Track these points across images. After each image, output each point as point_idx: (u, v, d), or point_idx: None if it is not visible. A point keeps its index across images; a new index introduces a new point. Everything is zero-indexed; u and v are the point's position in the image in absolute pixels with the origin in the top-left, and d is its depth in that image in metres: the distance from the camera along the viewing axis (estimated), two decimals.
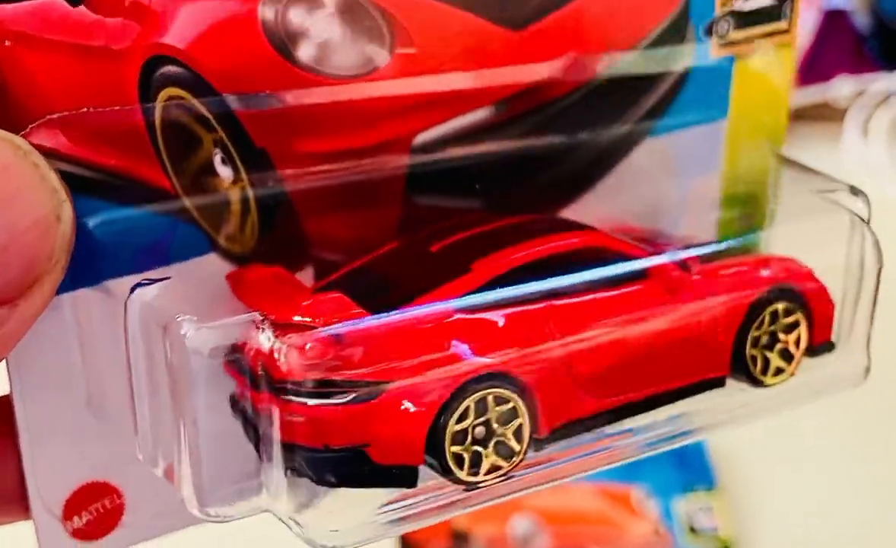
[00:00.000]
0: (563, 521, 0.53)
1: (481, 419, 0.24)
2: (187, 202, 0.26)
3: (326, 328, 0.23)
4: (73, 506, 0.26)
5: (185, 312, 0.23)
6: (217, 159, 0.26)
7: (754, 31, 0.33)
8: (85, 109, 0.24)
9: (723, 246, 0.29)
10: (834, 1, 0.88)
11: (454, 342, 0.23)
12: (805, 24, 0.84)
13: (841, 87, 0.79)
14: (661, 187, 0.33)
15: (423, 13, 0.27)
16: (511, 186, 0.31)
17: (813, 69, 0.83)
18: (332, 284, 0.26)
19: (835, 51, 0.85)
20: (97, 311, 0.25)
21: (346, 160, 0.28)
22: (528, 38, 0.29)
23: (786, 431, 0.59)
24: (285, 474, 0.22)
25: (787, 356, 0.29)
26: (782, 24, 0.34)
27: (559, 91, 0.30)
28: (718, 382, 0.28)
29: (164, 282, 0.24)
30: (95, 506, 0.27)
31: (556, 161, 0.31)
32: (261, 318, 0.23)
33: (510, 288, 0.25)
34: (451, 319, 0.24)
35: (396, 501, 0.23)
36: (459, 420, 0.23)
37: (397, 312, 0.24)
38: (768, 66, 0.34)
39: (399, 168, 0.29)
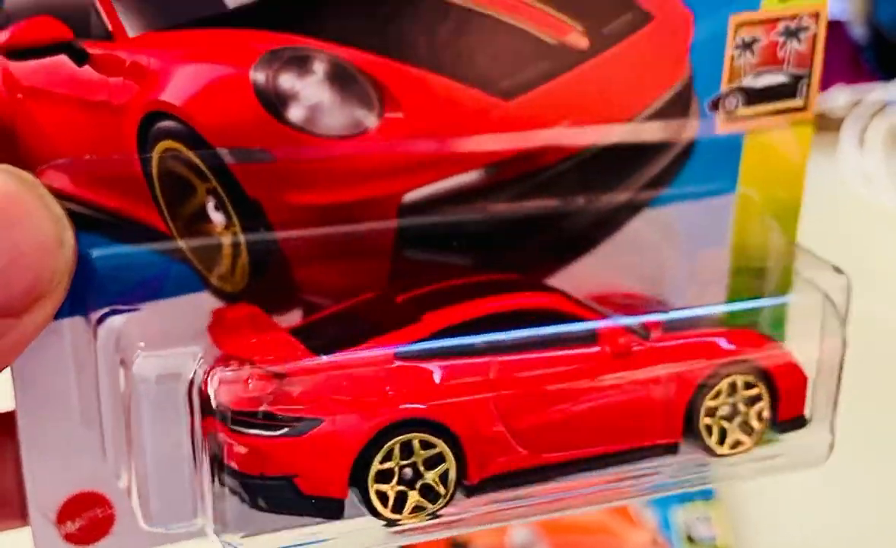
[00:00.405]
0: (561, 530, 0.54)
1: (408, 462, 0.25)
2: (181, 243, 0.29)
3: (270, 366, 0.25)
4: (67, 512, 0.29)
5: (145, 341, 0.25)
6: (210, 206, 0.29)
7: (766, 107, 0.34)
8: (87, 157, 0.27)
9: (694, 314, 0.30)
10: (830, 11, 0.89)
11: (388, 387, 0.25)
12: None
13: (837, 98, 0.79)
14: (665, 257, 0.34)
15: (412, 81, 0.29)
16: (504, 247, 0.32)
17: None
18: (306, 327, 0.28)
19: (831, 61, 0.85)
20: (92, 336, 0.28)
21: (336, 214, 0.30)
22: (520, 106, 0.31)
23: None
24: (221, 498, 0.25)
25: (747, 429, 0.29)
26: (798, 102, 0.34)
27: (554, 157, 0.32)
28: (670, 449, 0.28)
29: (132, 313, 0.27)
30: (88, 514, 0.30)
31: (551, 225, 0.33)
32: (200, 353, 0.25)
33: (454, 339, 0.26)
34: (390, 365, 0.26)
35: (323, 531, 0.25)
36: (384, 460, 0.25)
37: (341, 354, 0.26)
38: (783, 144, 0.34)
39: (388, 224, 0.31)
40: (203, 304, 0.29)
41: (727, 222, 0.34)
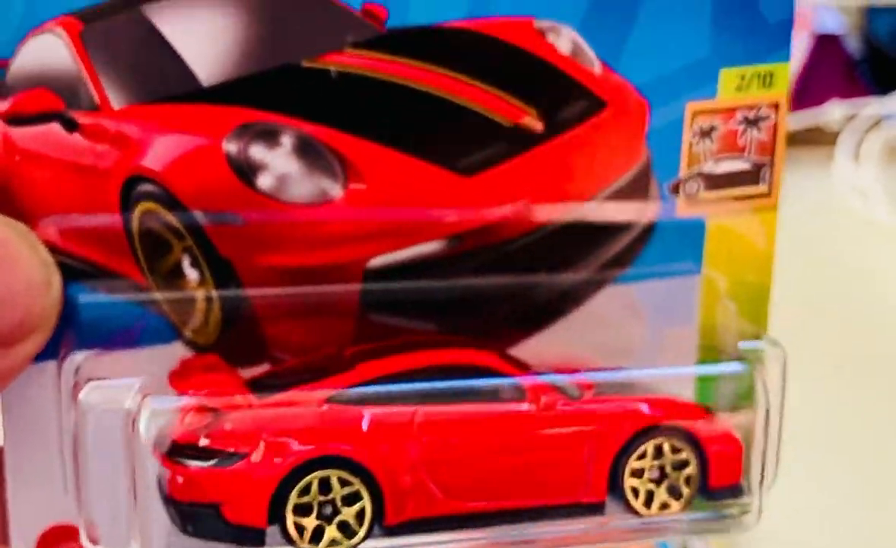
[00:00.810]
0: None
1: (326, 498, 0.27)
2: (158, 296, 0.32)
3: (206, 400, 0.27)
4: (45, 543, 0.32)
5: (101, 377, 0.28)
6: (185, 263, 0.32)
7: (729, 193, 0.35)
8: (75, 215, 0.31)
9: (629, 377, 0.31)
10: (826, 25, 0.87)
11: (314, 426, 0.28)
12: (797, 48, 0.83)
13: (833, 112, 0.79)
14: (630, 333, 0.36)
15: (374, 155, 0.32)
16: (467, 315, 0.34)
17: (805, 93, 0.83)
18: (262, 376, 0.31)
19: (827, 75, 0.84)
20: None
21: (303, 276, 0.33)
22: (479, 183, 0.33)
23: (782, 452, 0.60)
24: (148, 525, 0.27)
25: (675, 493, 0.30)
26: (761, 189, 0.36)
27: (514, 232, 0.34)
28: (595, 508, 0.29)
29: (92, 352, 0.30)
30: (64, 546, 0.32)
31: (512, 297, 0.35)
32: (142, 385, 0.28)
33: (384, 387, 0.28)
34: (319, 408, 0.28)
35: None
36: (302, 494, 0.27)
37: (277, 394, 0.28)
38: (748, 229, 0.36)
39: (353, 287, 0.33)
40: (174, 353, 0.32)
41: (693, 301, 0.36)
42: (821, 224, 0.74)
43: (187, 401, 0.28)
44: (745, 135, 0.35)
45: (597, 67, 0.33)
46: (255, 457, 0.27)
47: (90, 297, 0.31)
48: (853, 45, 0.86)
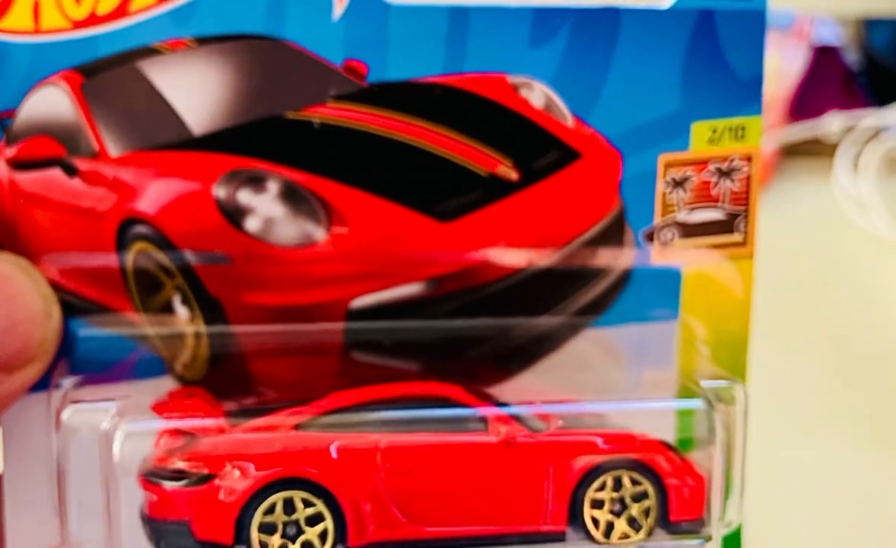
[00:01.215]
0: None
1: (291, 518, 0.29)
2: (150, 332, 0.34)
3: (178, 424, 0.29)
4: None
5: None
6: (176, 301, 0.34)
7: (704, 241, 0.37)
8: (74, 254, 0.33)
9: (592, 410, 0.32)
10: (824, 37, 0.87)
11: (281, 450, 0.29)
12: (795, 59, 0.83)
13: (831, 123, 0.79)
14: (609, 375, 0.37)
15: (356, 201, 0.34)
16: (446, 357, 0.36)
17: (803, 105, 0.83)
18: (244, 407, 0.33)
19: (825, 87, 0.84)
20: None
21: (288, 315, 0.35)
22: (457, 229, 0.35)
23: (779, 461, 0.59)
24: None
25: (634, 525, 0.31)
26: (736, 238, 0.37)
27: (491, 276, 0.35)
28: (556, 537, 0.31)
29: (76, 378, 0.32)
30: None
31: (491, 339, 0.36)
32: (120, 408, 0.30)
33: (348, 416, 0.30)
34: (288, 433, 0.30)
35: None
36: (267, 513, 0.29)
37: (249, 421, 0.30)
38: (725, 277, 0.37)
39: (336, 326, 0.35)
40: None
41: (671, 346, 0.37)
42: (819, 235, 0.75)
43: (162, 424, 0.30)
44: (719, 185, 0.36)
45: (569, 120, 0.35)
46: (223, 477, 0.29)
47: (87, 331, 0.33)
48: (851, 57, 0.87)
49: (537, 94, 0.35)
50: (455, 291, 0.35)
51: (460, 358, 0.36)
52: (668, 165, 0.36)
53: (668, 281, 0.36)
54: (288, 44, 0.33)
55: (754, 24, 0.35)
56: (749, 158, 0.36)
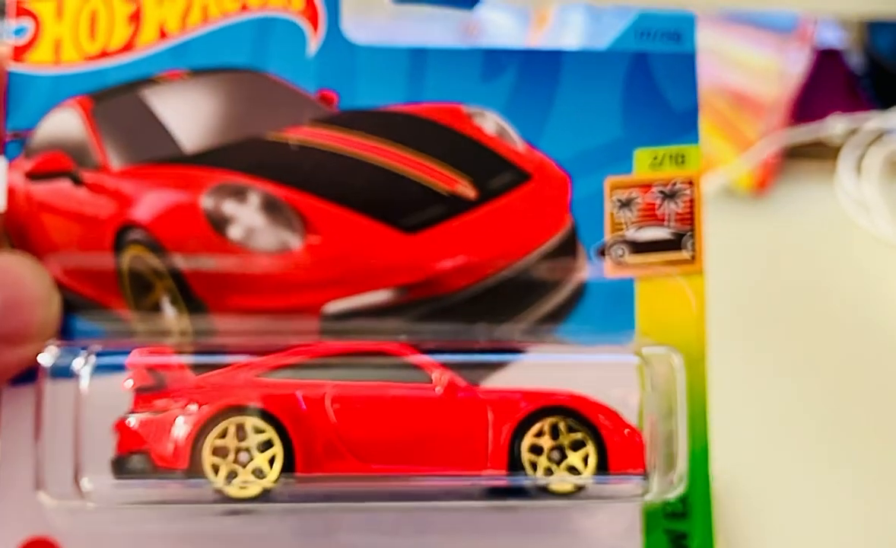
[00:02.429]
0: None
1: (243, 444, 0.32)
2: (140, 328, 0.38)
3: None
4: None
5: None
6: (165, 301, 0.38)
7: (653, 258, 0.40)
8: (75, 255, 0.38)
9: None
10: (827, 39, 0.87)
11: (239, 389, 0.32)
12: (798, 62, 0.84)
13: (835, 126, 0.80)
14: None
15: (328, 214, 0.39)
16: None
17: (806, 108, 0.83)
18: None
19: (828, 90, 0.84)
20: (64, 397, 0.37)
21: (267, 316, 0.38)
22: (421, 240, 0.39)
23: (780, 459, 0.60)
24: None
25: (574, 471, 0.33)
26: (684, 255, 0.40)
27: (455, 285, 0.39)
28: (498, 478, 0.33)
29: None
30: None
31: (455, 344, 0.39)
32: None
33: (309, 365, 0.33)
34: (248, 378, 0.33)
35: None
36: (220, 437, 0.32)
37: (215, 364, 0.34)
38: (676, 291, 0.40)
39: (311, 329, 0.38)
40: None
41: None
42: (823, 237, 0.76)
43: (130, 358, 0.33)
44: (663, 206, 0.40)
45: (520, 146, 0.40)
46: (181, 408, 0.32)
47: (85, 326, 0.37)
48: (855, 59, 0.89)
49: (490, 122, 0.40)
50: (420, 299, 0.39)
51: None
52: (614, 187, 0.40)
53: (623, 294, 0.40)
54: (269, 75, 0.39)
55: (685, 64, 0.40)
56: (691, 182, 0.40)
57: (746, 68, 0.84)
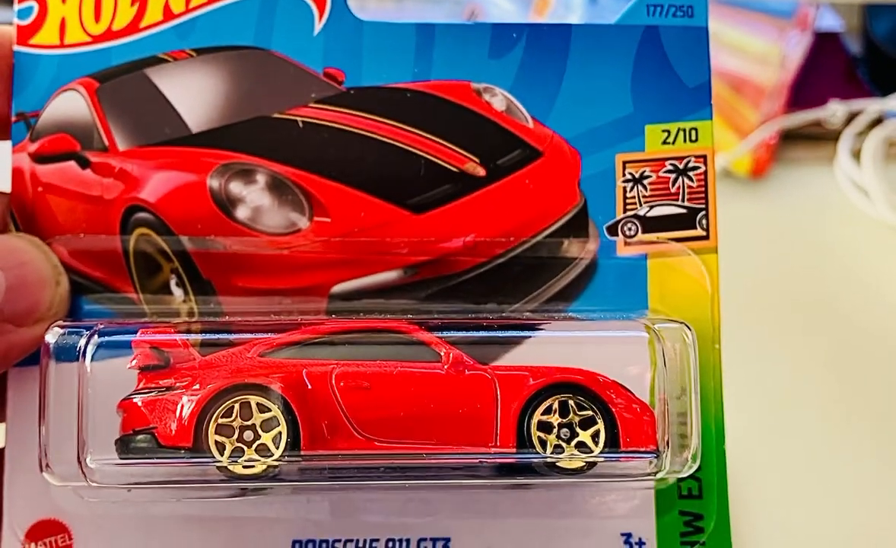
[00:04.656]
0: None
1: (248, 423, 0.32)
2: (147, 309, 0.39)
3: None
4: (34, 534, 0.38)
5: None
6: (172, 282, 0.39)
7: (666, 235, 0.40)
8: (82, 236, 0.38)
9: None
10: (826, 24, 0.88)
11: (243, 368, 0.33)
12: (797, 47, 0.85)
13: (834, 110, 0.81)
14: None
15: (336, 193, 0.39)
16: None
17: (804, 92, 0.84)
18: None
19: (827, 74, 0.86)
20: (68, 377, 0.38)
21: (275, 297, 0.39)
22: (429, 220, 0.40)
23: (778, 444, 0.61)
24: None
25: (584, 449, 0.34)
26: (698, 232, 0.40)
27: (463, 264, 0.40)
28: (506, 456, 0.33)
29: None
30: (50, 539, 0.38)
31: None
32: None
33: (315, 343, 0.34)
34: (253, 358, 0.34)
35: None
36: (225, 416, 0.32)
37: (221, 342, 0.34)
38: (690, 268, 0.40)
39: (319, 309, 0.39)
40: None
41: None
42: (822, 220, 0.78)
43: (135, 337, 0.34)
44: (677, 182, 0.40)
45: (530, 122, 0.40)
46: (186, 386, 0.33)
47: (92, 307, 0.38)
48: (853, 44, 0.90)
49: (499, 99, 0.40)
50: (431, 278, 0.39)
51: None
52: (625, 164, 0.40)
53: (635, 272, 0.40)
54: (274, 54, 0.39)
55: (697, 38, 0.41)
56: (704, 158, 0.41)
57: (745, 53, 0.85)
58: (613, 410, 0.35)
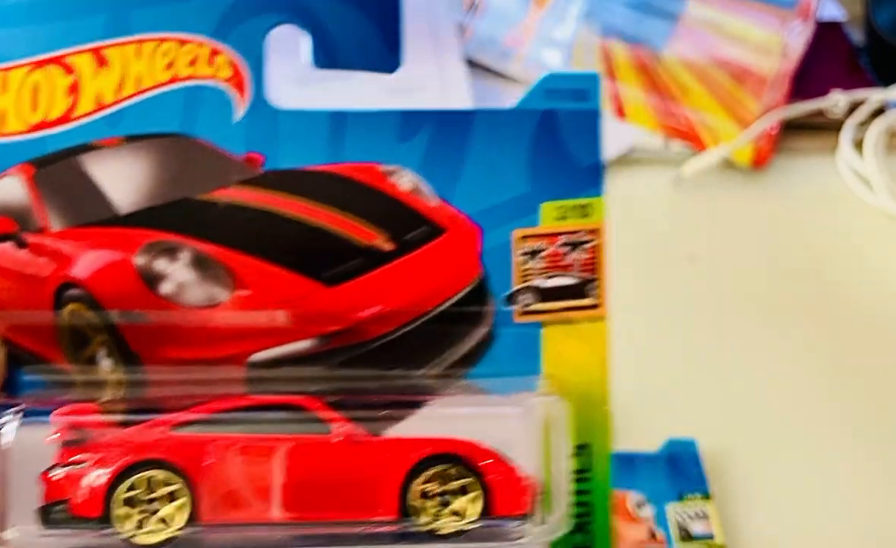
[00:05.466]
0: None
1: (153, 495, 0.37)
2: (78, 380, 0.42)
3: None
4: None
5: None
6: (102, 354, 0.42)
7: (559, 304, 0.44)
8: (19, 312, 0.42)
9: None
10: (827, 12, 0.89)
11: (152, 444, 0.37)
12: (799, 36, 0.85)
13: (836, 100, 0.82)
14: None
15: (255, 268, 0.43)
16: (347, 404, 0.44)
17: (806, 82, 0.85)
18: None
19: (829, 64, 0.86)
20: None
21: (198, 366, 0.43)
22: (342, 292, 0.43)
23: (783, 440, 0.63)
24: None
25: (458, 515, 0.38)
26: (589, 301, 0.45)
27: (373, 333, 0.44)
28: (390, 523, 0.38)
29: None
30: None
31: (378, 390, 0.44)
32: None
33: (219, 418, 0.38)
34: (162, 433, 0.38)
35: None
36: (132, 489, 0.36)
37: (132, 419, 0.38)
38: (581, 335, 0.45)
39: (238, 377, 0.43)
40: None
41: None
42: (823, 210, 0.79)
43: (55, 420, 0.38)
44: (569, 255, 0.45)
45: (434, 201, 0.44)
46: (98, 461, 0.37)
47: (28, 377, 0.42)
48: (855, 33, 0.90)
49: (406, 179, 0.44)
50: (340, 347, 0.43)
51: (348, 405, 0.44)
52: (522, 238, 0.44)
53: (530, 339, 0.44)
54: (198, 140, 0.43)
55: (591, 121, 0.45)
56: (595, 232, 0.45)
57: (747, 43, 0.85)
58: (488, 478, 0.39)
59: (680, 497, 0.61)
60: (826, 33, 0.89)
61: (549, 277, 0.45)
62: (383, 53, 0.45)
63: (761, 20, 0.86)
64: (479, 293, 0.44)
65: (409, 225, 0.44)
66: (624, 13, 0.87)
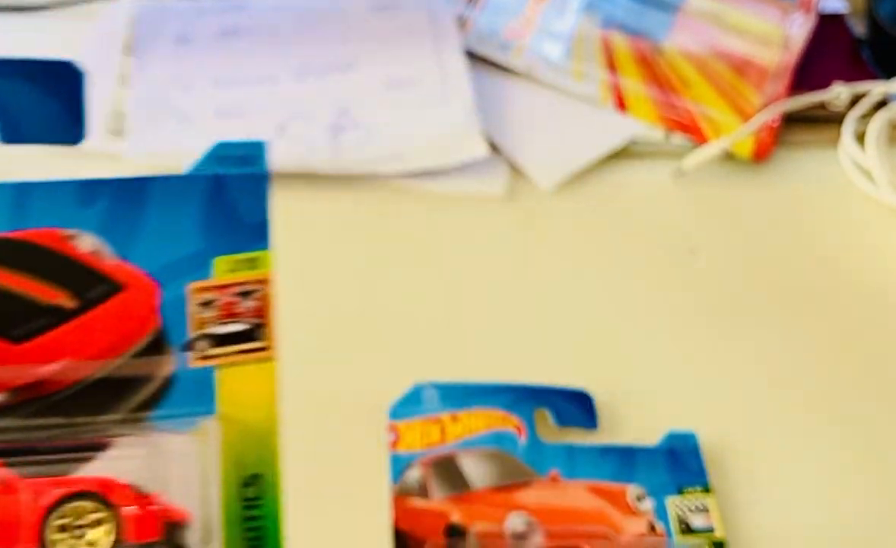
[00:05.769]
0: (558, 518, 0.57)
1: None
2: None
3: None
4: None
5: None
6: None
7: (232, 348, 0.50)
8: None
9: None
10: (829, 5, 0.90)
11: None
12: (801, 29, 0.86)
13: (837, 93, 0.81)
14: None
15: None
16: (30, 453, 0.48)
17: (808, 74, 0.84)
18: None
19: (830, 56, 0.86)
20: None
21: None
22: (30, 349, 0.48)
23: (783, 433, 0.63)
24: None
25: (93, 546, 0.44)
26: (259, 344, 0.50)
27: (59, 384, 0.48)
28: None
29: None
30: None
31: (63, 436, 0.48)
32: None
33: None
34: None
35: None
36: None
37: None
38: (252, 376, 0.50)
39: None
40: None
41: (216, 446, 0.49)
42: (826, 205, 0.78)
43: None
44: (241, 304, 0.50)
45: (114, 261, 0.49)
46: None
47: None
48: (857, 26, 0.89)
49: (85, 242, 0.49)
50: (29, 399, 0.48)
51: (41, 452, 0.48)
52: (196, 291, 0.50)
53: (205, 381, 0.49)
54: None
55: (258, 183, 0.51)
56: (263, 281, 0.50)
57: (748, 35, 0.85)
58: (121, 510, 0.44)
59: (680, 490, 0.61)
60: (828, 25, 0.88)
61: (223, 325, 0.50)
62: (68, 127, 0.50)
63: (763, 12, 0.86)
64: (158, 342, 0.50)
65: (89, 283, 0.49)
66: (624, 5, 0.87)
